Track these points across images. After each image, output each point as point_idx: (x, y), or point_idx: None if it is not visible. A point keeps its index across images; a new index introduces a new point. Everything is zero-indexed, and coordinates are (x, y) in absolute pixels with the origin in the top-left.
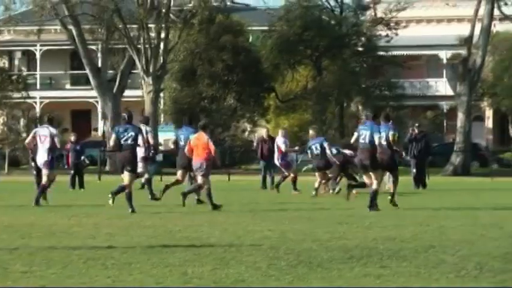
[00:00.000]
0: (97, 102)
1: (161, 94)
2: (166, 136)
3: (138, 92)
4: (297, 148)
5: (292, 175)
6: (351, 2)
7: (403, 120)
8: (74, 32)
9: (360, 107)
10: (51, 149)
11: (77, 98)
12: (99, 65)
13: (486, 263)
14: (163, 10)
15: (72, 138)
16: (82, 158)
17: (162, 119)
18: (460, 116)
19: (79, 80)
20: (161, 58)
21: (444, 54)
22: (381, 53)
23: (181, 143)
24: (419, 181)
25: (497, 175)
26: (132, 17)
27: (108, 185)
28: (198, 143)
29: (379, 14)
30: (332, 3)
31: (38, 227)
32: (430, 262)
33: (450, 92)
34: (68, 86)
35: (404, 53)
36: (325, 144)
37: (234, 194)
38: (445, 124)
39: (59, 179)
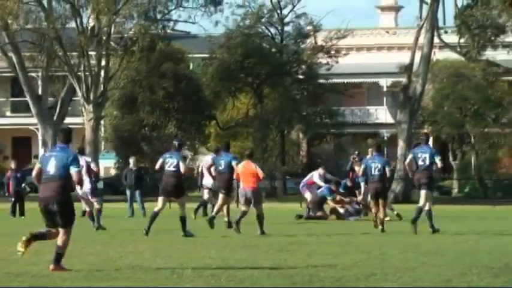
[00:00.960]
0: (37, 129)
1: (102, 121)
2: (107, 163)
3: (78, 120)
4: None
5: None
6: (292, 30)
7: (344, 148)
8: (14, 59)
9: (301, 135)
10: (90, 178)
11: (17, 125)
12: (40, 92)
13: None
14: (104, 37)
15: (13, 165)
16: (23, 185)
17: (102, 147)
18: (401, 144)
19: (19, 107)
20: (102, 85)
21: (384, 82)
22: (322, 80)
23: (221, 168)
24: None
25: (438, 202)
26: (72, 45)
27: None
28: (246, 171)
29: (320, 42)
30: (273, 31)
31: None
32: None
33: (391, 120)
34: (8, 113)
35: (345, 80)
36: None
37: (176, 221)
38: (385, 152)
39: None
